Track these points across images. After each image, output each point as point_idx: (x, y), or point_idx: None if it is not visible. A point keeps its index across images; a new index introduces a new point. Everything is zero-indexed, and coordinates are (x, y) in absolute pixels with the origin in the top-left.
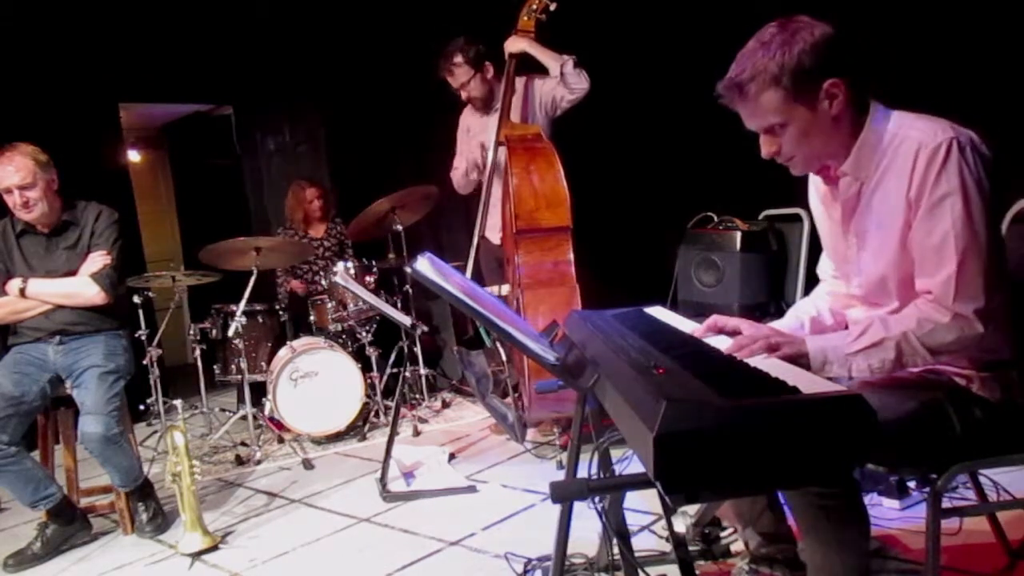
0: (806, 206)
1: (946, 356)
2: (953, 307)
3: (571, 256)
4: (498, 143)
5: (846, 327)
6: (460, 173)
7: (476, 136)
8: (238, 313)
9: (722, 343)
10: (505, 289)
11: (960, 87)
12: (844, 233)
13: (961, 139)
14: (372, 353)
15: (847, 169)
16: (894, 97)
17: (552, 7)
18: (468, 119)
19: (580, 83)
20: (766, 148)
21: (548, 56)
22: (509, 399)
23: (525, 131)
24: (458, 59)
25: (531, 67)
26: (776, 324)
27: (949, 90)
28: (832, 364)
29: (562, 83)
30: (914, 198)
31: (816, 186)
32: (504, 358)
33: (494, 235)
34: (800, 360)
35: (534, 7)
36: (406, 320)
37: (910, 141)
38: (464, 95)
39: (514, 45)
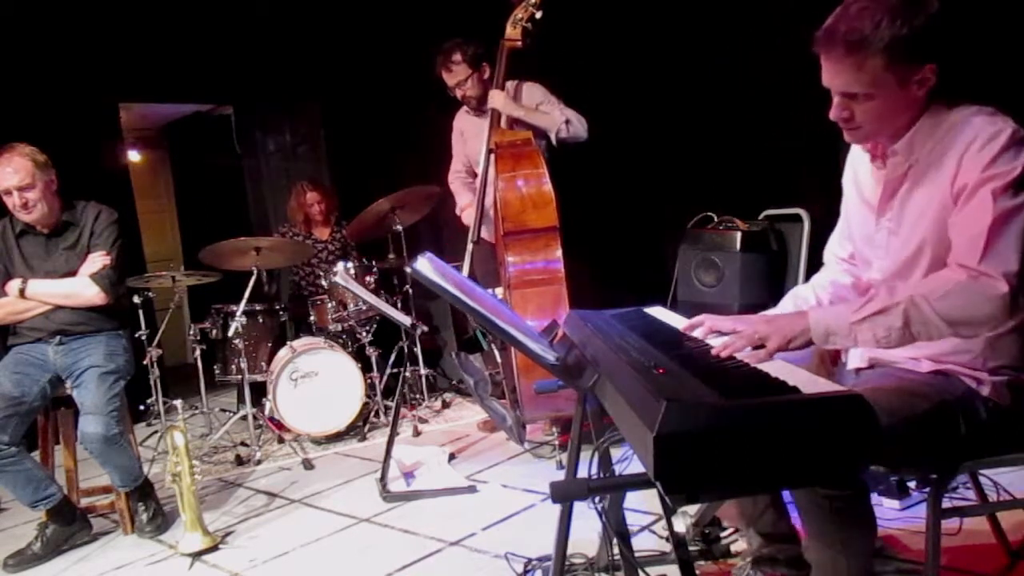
0: (806, 206)
1: (963, 328)
2: (978, 266)
3: (560, 254)
4: (489, 150)
5: None
6: (461, 177)
7: (471, 139)
8: (238, 313)
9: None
10: (499, 292)
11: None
12: (878, 214)
13: (1021, 132)
14: (372, 353)
15: (899, 149)
16: (962, 94)
17: (538, 15)
18: (461, 122)
19: (578, 137)
20: (837, 112)
21: (542, 120)
22: (506, 401)
23: (515, 137)
24: (457, 57)
25: (521, 70)
26: (774, 310)
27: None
28: (836, 335)
29: (559, 138)
30: (960, 184)
31: (854, 167)
32: (499, 360)
33: (489, 235)
34: (795, 341)
35: (519, 16)
36: (406, 320)
37: (969, 129)
38: (459, 93)
39: (502, 105)
